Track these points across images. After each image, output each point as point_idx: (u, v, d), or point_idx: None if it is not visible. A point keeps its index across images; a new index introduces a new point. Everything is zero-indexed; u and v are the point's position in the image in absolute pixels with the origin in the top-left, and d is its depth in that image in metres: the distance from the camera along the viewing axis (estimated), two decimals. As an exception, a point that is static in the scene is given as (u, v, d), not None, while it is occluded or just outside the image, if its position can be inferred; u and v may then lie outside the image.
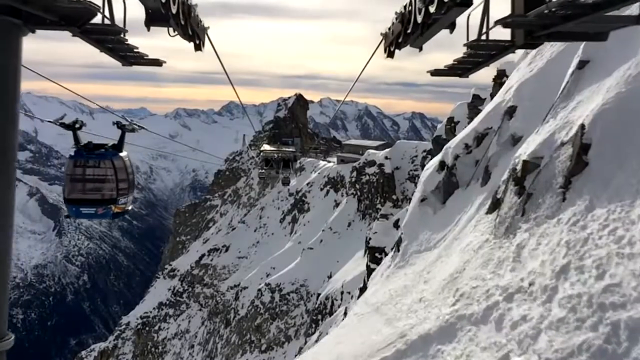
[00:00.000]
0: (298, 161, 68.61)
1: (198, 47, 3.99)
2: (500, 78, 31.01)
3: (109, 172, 8.43)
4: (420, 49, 3.80)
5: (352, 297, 36.69)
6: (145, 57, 4.02)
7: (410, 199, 49.92)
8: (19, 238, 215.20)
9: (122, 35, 3.47)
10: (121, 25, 3.51)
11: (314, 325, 42.52)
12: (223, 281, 69.42)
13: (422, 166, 47.53)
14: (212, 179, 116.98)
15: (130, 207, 9.58)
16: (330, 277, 47.17)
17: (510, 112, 6.93)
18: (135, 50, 3.86)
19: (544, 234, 6.21)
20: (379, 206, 50.01)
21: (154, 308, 76.44)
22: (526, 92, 7.21)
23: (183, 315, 72.19)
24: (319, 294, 44.98)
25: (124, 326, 79.21)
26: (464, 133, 6.66)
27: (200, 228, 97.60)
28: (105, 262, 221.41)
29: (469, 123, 36.39)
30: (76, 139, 8.91)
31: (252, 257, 69.30)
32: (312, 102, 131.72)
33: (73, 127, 8.99)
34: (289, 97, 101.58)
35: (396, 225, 27.17)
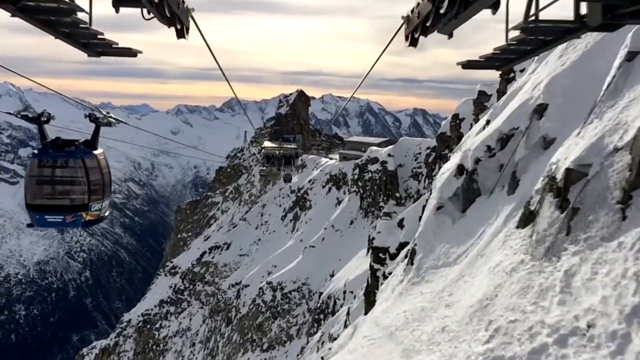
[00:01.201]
0: (300, 158, 67.82)
1: (181, 34, 3.29)
2: (507, 74, 30.29)
3: (79, 173, 7.38)
4: (451, 35, 3.14)
5: (354, 296, 36.14)
6: (115, 46, 3.34)
7: (413, 197, 49.29)
8: (21, 234, 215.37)
9: (76, 16, 2.78)
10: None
11: (316, 325, 41.99)
12: (224, 279, 68.91)
13: (426, 164, 46.82)
14: (213, 175, 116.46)
15: (107, 214, 8.47)
16: (332, 275, 46.60)
17: (540, 110, 6.10)
18: (100, 37, 3.17)
19: (600, 260, 5.21)
20: (381, 204, 49.35)
21: (155, 305, 76.03)
22: (558, 88, 6.39)
23: (184, 313, 71.76)
24: (321, 293, 44.43)
25: (125, 323, 78.84)
26: (484, 134, 5.85)
27: (201, 225, 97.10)
28: (107, 258, 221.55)
29: (474, 120, 35.67)
30: (42, 134, 7.82)
31: (253, 255, 68.75)
32: (313, 98, 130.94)
33: (38, 120, 7.87)
34: (291, 94, 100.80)
35: (400, 224, 26.55)
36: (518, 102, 5.89)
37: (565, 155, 5.04)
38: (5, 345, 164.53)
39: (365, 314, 15.09)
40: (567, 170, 5.50)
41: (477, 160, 5.45)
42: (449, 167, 5.94)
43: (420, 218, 24.22)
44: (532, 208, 4.92)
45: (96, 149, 7.93)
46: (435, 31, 3.10)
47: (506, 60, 3.26)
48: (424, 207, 6.82)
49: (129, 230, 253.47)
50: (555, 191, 4.68)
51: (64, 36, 3.07)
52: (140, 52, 3.56)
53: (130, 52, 3.47)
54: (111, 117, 8.40)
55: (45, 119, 7.91)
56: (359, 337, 6.23)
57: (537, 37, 2.89)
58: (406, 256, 23.07)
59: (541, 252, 4.59)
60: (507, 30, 3.00)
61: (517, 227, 4.96)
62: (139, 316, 76.75)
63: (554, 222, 4.59)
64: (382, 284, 24.92)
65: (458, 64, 3.51)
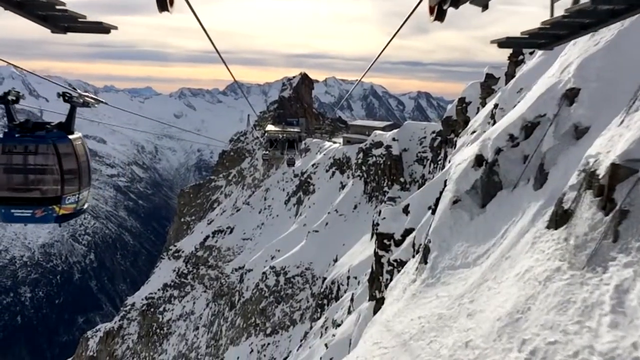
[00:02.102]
0: (303, 142, 67.26)
1: (163, 6, 2.74)
2: (516, 56, 29.47)
3: (50, 160, 6.37)
4: (486, 7, 2.61)
5: (358, 282, 35.91)
6: (83, 20, 2.79)
7: (418, 181, 48.71)
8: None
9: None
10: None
11: (319, 310, 41.87)
12: (227, 263, 68.88)
13: (431, 148, 46.15)
14: (217, 159, 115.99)
15: (85, 206, 7.45)
16: (336, 260, 46.37)
17: (571, 96, 5.43)
18: (61, 8, 2.61)
19: None
20: (386, 189, 48.87)
21: (158, 289, 76.24)
22: (592, 71, 5.72)
23: (188, 297, 71.95)
24: (324, 278, 44.25)
25: (129, 307, 79.22)
26: (506, 121, 5.22)
27: (204, 209, 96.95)
28: (111, 241, 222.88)
29: (481, 104, 34.92)
30: (10, 116, 6.83)
31: (256, 239, 68.58)
32: (317, 81, 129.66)
33: (4, 100, 6.83)
34: (294, 77, 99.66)
35: (405, 210, 26.05)
36: (544, 87, 5.26)
37: (607, 148, 4.41)
38: (11, 327, 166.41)
39: (374, 313, 14.51)
40: (613, 165, 4.71)
41: (498, 151, 4.85)
42: (465, 157, 5.33)
43: (429, 207, 23.74)
44: (566, 207, 4.33)
45: (72, 132, 6.95)
46: (468, 2, 2.57)
47: (554, 38, 2.71)
48: (438, 199, 6.25)
49: (133, 213, 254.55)
50: (596, 189, 4.08)
51: (16, 7, 2.52)
52: (115, 28, 3.02)
53: (102, 28, 2.91)
54: (88, 96, 7.30)
55: (12, 97, 6.89)
56: (369, 343, 5.73)
57: (601, 8, 2.32)
58: (416, 249, 22.61)
59: (582, 260, 3.98)
60: (554, 1, 2.46)
61: (548, 227, 4.36)
62: (142, 300, 77.04)
63: (596, 225, 3.99)
64: (387, 271, 24.57)
65: (493, 42, 2.99)
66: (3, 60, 6.54)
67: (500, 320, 4.04)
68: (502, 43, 2.95)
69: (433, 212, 6.62)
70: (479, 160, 5.28)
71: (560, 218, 4.30)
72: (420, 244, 6.92)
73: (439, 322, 4.56)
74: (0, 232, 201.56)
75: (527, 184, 4.74)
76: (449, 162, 28.79)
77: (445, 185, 5.99)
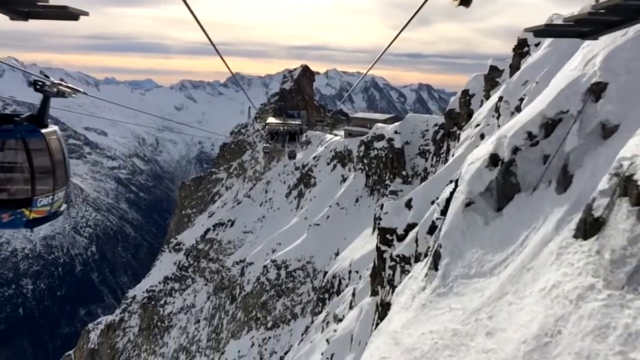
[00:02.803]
0: (304, 134, 66.66)
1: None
2: (521, 48, 28.94)
3: (19, 157, 5.68)
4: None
5: (360, 277, 35.64)
6: (44, 5, 2.38)
7: (421, 175, 48.28)
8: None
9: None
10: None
11: (320, 304, 41.65)
12: (228, 256, 68.68)
13: (434, 141, 45.67)
14: (218, 151, 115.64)
15: (62, 209, 6.67)
16: (337, 254, 46.10)
17: (597, 90, 4.94)
18: None
19: None
20: (387, 182, 48.47)
21: (159, 282, 76.17)
22: (620, 64, 5.23)
23: (189, 290, 71.86)
24: (325, 272, 44.01)
25: (130, 299, 79.22)
26: (523, 117, 4.75)
27: (205, 201, 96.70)
28: (113, 233, 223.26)
29: (485, 97, 34.44)
30: None
31: (257, 232, 68.34)
32: (318, 73, 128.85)
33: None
34: (295, 69, 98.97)
35: (408, 205, 25.66)
36: (565, 81, 4.82)
37: (642, 150, 3.98)
38: (12, 319, 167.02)
39: (380, 319, 14.09)
40: None
41: (516, 150, 4.40)
42: (478, 156, 4.88)
43: (432, 202, 23.35)
44: (596, 214, 3.87)
45: (45, 126, 6.22)
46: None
47: (604, 25, 2.29)
48: (448, 200, 5.82)
49: (134, 206, 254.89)
50: (634, 197, 3.61)
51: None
52: (85, 14, 2.60)
53: (68, 14, 2.49)
54: (63, 85, 6.47)
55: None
56: (375, 356, 5.33)
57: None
58: (423, 252, 22.25)
59: (621, 279, 3.51)
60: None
61: (576, 237, 3.90)
62: (143, 292, 77.02)
63: (637, 238, 3.51)
64: (389, 266, 24.26)
65: (528, 30, 2.59)
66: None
67: (527, 343, 3.59)
68: (540, 32, 2.56)
69: (443, 214, 6.20)
70: (494, 159, 4.84)
71: (590, 227, 3.84)
72: (429, 247, 6.49)
73: (454, 339, 4.17)
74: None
75: (548, 187, 4.32)
76: (452, 155, 28.38)
77: (456, 186, 5.57)
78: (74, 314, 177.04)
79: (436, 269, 5.33)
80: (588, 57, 4.97)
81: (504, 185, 4.94)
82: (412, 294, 5.75)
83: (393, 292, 23.11)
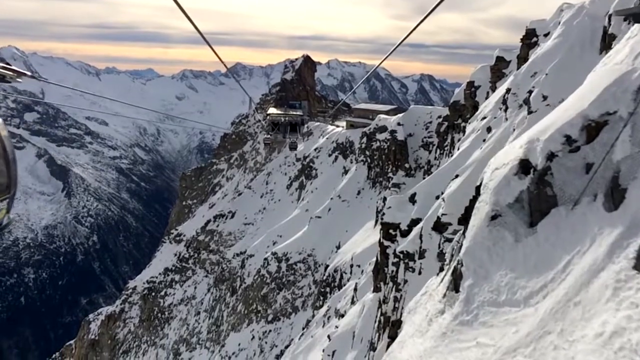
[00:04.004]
0: (305, 125, 65.85)
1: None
2: (529, 38, 28.12)
3: None
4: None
5: (362, 271, 35.13)
6: None
7: (424, 167, 47.61)
8: (29, 199, 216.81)
9: None
10: None
11: (321, 298, 41.24)
12: (229, 248, 68.27)
13: (437, 133, 44.94)
14: (219, 141, 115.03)
15: (6, 221, 5.21)
16: (338, 247, 45.61)
17: None
18: None
19: None
20: (390, 175, 47.80)
21: (159, 273, 75.90)
22: None
23: (189, 282, 71.56)
24: (327, 265, 43.54)
25: (130, 290, 79.03)
26: (558, 118, 4.04)
27: (206, 192, 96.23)
28: (114, 223, 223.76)
29: (491, 88, 33.66)
30: None
31: (258, 224, 67.86)
32: (319, 63, 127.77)
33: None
34: (297, 59, 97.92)
35: (412, 199, 25.04)
36: (610, 77, 4.11)
37: None
38: (14, 308, 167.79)
39: (390, 338, 13.28)
40: None
41: (551, 156, 3.71)
42: (504, 161, 4.15)
43: (437, 197, 22.70)
44: None
45: None
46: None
47: None
48: (468, 210, 5.10)
49: (136, 196, 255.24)
50: None
51: None
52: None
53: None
54: (6, 67, 5.11)
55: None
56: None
57: None
58: (426, 249, 21.45)
59: None
60: None
61: (637, 268, 3.15)
62: (144, 283, 76.79)
63: None
64: (392, 262, 23.70)
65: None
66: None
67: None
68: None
69: (461, 223, 5.53)
70: (524, 166, 4.13)
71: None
72: (444, 258, 5.82)
73: (485, 384, 3.54)
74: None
75: (593, 202, 3.64)
76: (458, 149, 27.68)
77: (477, 193, 4.89)
78: (75, 303, 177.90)
79: (457, 291, 4.64)
80: (638, 49, 4.28)
81: (538, 197, 4.23)
82: (427, 314, 5.08)
83: (396, 289, 22.56)
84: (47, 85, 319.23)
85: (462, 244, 5.02)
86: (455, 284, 4.62)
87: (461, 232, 5.49)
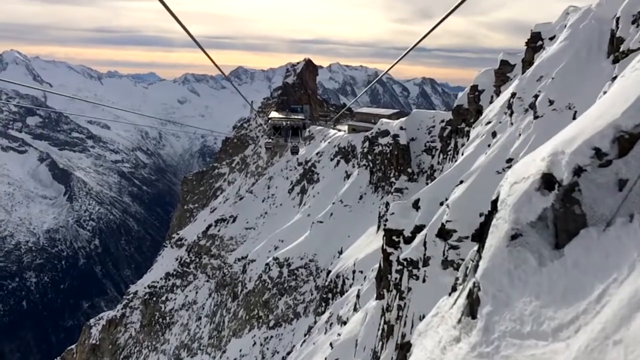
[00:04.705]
0: (307, 129, 65.63)
1: None
2: (534, 41, 27.76)
3: None
4: None
5: (364, 277, 34.72)
6: None
7: (427, 172, 47.22)
8: (31, 203, 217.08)
9: None
10: None
11: (323, 304, 40.80)
12: (230, 252, 67.90)
13: (440, 137, 44.56)
14: (220, 145, 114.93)
15: None
16: (340, 252, 45.18)
17: None
18: None
19: None
20: (392, 179, 47.41)
21: (161, 278, 75.55)
22: None
23: (190, 286, 71.18)
24: (329, 271, 43.12)
25: (131, 295, 78.71)
26: (585, 128, 3.64)
27: (207, 196, 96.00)
28: (116, 227, 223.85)
29: (495, 92, 33.31)
30: None
31: (259, 229, 67.50)
32: (321, 67, 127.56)
33: None
34: (298, 63, 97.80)
35: (416, 205, 24.65)
36: None
37: None
38: (16, 312, 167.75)
39: (390, 338, 13.01)
40: None
41: (579, 170, 3.33)
42: (524, 175, 3.77)
43: (441, 203, 22.32)
44: None
45: None
46: None
47: None
48: (484, 226, 4.72)
49: (137, 199, 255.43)
50: None
51: None
52: None
53: None
54: None
55: None
56: None
57: None
58: (430, 257, 21.04)
59: None
60: None
61: None
62: (145, 288, 76.45)
63: None
64: (396, 270, 23.31)
65: None
66: None
67: None
68: None
69: (474, 239, 5.14)
70: (547, 181, 3.76)
71: None
72: (459, 284, 5.44)
73: None
74: (5, 218, 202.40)
75: (629, 223, 3.26)
76: (462, 154, 27.31)
77: (494, 209, 4.52)
78: (77, 307, 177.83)
79: (473, 317, 4.25)
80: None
81: (565, 215, 3.85)
82: (440, 340, 4.70)
83: (399, 297, 22.17)
84: (49, 89, 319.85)
85: (477, 264, 4.62)
86: (471, 309, 4.23)
87: (475, 249, 5.10)
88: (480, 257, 4.68)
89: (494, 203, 4.79)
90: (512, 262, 4.11)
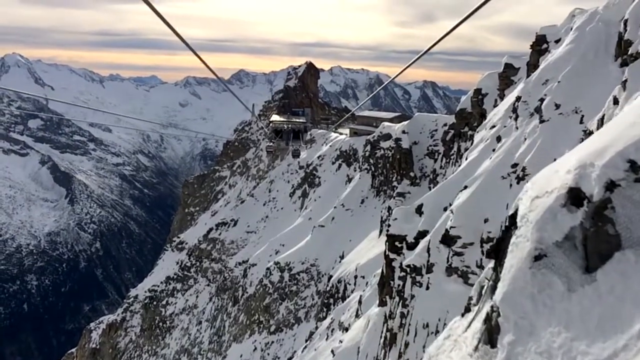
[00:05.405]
0: (309, 132, 65.18)
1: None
2: (539, 44, 27.43)
3: None
4: None
5: (366, 283, 34.31)
6: None
7: (429, 176, 46.78)
8: (32, 206, 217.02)
9: None
10: None
11: (325, 309, 40.39)
12: (231, 256, 67.51)
13: (443, 141, 44.19)
14: (222, 148, 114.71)
15: None
16: (342, 257, 44.79)
17: None
18: None
19: None
20: (395, 183, 47.02)
21: (161, 282, 75.16)
22: None
23: (191, 290, 70.77)
24: (330, 276, 42.72)
25: (132, 299, 78.29)
26: (620, 138, 3.25)
27: (208, 199, 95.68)
28: (117, 229, 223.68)
29: (499, 96, 32.95)
30: None
31: (261, 232, 67.12)
32: (322, 70, 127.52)
33: None
34: (299, 66, 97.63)
35: (419, 211, 24.28)
36: None
37: None
38: (17, 315, 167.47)
39: (393, 346, 12.53)
40: None
41: (612, 185, 2.97)
42: (547, 188, 3.38)
43: (445, 208, 21.94)
44: None
45: None
46: None
47: None
48: (501, 242, 4.33)
49: (139, 202, 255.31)
50: None
51: None
52: None
53: None
54: None
55: None
56: None
57: None
58: (434, 263, 20.67)
59: None
60: None
61: None
62: (145, 292, 76.04)
63: None
64: (399, 277, 22.91)
65: None
66: None
67: None
68: None
69: (489, 256, 4.74)
70: (575, 196, 3.37)
71: None
72: (473, 305, 5.06)
73: None
74: (7, 221, 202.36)
75: (671, 246, 2.93)
76: (466, 158, 26.93)
77: (511, 224, 4.12)
78: (78, 310, 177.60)
79: (492, 345, 3.87)
80: None
81: (596, 236, 3.47)
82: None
83: (402, 304, 21.76)
84: (51, 92, 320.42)
85: (495, 285, 4.24)
86: (490, 337, 3.84)
87: (491, 266, 4.70)
88: (498, 278, 4.30)
89: (512, 218, 4.41)
90: (536, 285, 3.73)
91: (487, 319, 4.04)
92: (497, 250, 4.62)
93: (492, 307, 4.01)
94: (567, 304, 3.42)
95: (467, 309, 4.98)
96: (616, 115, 12.65)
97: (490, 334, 3.88)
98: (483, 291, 4.68)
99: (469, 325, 4.61)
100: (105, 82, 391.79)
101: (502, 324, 3.72)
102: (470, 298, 5.07)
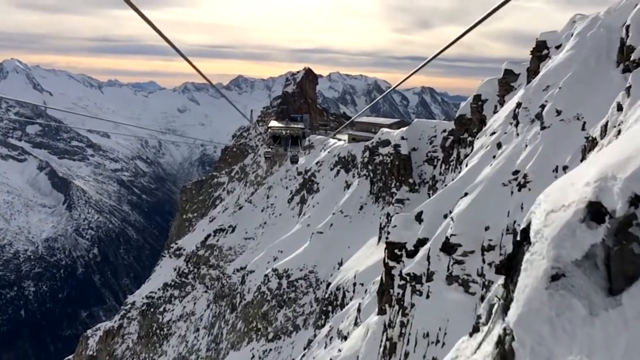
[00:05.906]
0: (307, 138, 65.16)
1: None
2: (540, 50, 27.27)
3: None
4: None
5: (365, 290, 34.00)
6: None
7: (428, 183, 46.60)
8: (30, 212, 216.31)
9: None
10: None
11: (323, 317, 40.04)
12: (229, 263, 67.09)
13: (442, 148, 44.02)
14: (220, 154, 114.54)
15: None
16: (340, 264, 44.47)
17: None
18: None
19: None
20: (393, 190, 46.78)
21: (159, 289, 74.66)
22: None
23: (188, 297, 70.28)
24: (329, 283, 42.38)
25: (129, 305, 77.75)
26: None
27: (206, 205, 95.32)
28: (115, 235, 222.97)
29: (499, 102, 32.79)
30: None
31: (259, 239, 66.75)
32: (320, 76, 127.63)
33: None
34: (298, 72, 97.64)
35: (419, 218, 24.01)
36: None
37: None
38: (14, 321, 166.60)
39: (392, 355, 12.11)
40: None
41: (636, 200, 2.72)
42: (564, 202, 3.12)
43: (445, 216, 21.67)
44: None
45: None
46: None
47: None
48: (512, 258, 4.04)
49: (137, 208, 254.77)
50: None
51: None
52: None
53: None
54: None
55: None
56: None
57: None
58: (434, 271, 20.40)
59: None
60: None
61: None
62: (143, 299, 75.53)
63: None
64: (398, 285, 22.62)
65: None
66: None
67: None
68: None
69: (499, 272, 4.45)
70: (596, 211, 3.09)
71: None
72: (482, 325, 4.77)
73: None
74: (4, 226, 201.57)
75: None
76: (466, 165, 26.72)
77: (524, 239, 3.84)
78: (75, 316, 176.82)
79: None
80: None
81: (620, 255, 3.20)
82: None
83: (402, 313, 21.45)
84: (50, 98, 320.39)
85: (507, 305, 3.94)
86: (502, 358, 3.56)
87: (500, 283, 4.41)
88: (511, 297, 4.02)
89: (525, 232, 4.14)
90: (554, 308, 3.44)
91: (500, 342, 3.77)
92: (509, 266, 4.35)
93: (504, 329, 3.74)
94: (589, 329, 3.14)
95: (476, 329, 4.71)
96: (621, 122, 12.40)
97: (504, 356, 3.61)
98: (493, 310, 4.41)
99: (479, 347, 4.33)
100: (104, 87, 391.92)
101: (516, 350, 3.44)
102: (479, 317, 4.80)
